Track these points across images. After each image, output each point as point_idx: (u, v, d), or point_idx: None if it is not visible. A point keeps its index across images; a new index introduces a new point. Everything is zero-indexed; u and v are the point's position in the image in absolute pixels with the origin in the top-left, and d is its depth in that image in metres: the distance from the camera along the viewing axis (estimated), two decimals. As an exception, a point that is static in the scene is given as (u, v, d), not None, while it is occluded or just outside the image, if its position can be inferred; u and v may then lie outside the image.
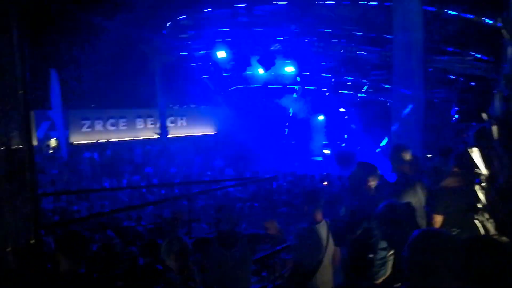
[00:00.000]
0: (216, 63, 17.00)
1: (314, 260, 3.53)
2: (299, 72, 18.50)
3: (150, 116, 19.72)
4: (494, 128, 2.84)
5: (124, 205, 9.51)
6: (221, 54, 16.06)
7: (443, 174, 4.21)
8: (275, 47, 16.25)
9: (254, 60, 16.59)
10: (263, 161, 15.51)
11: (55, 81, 14.92)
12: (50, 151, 16.23)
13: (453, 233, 3.32)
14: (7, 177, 2.40)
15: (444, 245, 1.79)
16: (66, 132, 16.03)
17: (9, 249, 2.38)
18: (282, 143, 19.59)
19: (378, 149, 16.75)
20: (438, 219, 3.59)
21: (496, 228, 2.94)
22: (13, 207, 2.40)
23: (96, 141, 17.91)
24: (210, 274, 3.44)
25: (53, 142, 16.56)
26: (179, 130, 20.76)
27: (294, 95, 20.18)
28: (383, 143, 16.24)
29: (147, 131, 19.56)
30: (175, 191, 10.58)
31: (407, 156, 4.01)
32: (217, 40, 16.60)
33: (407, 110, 9.68)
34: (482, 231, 3.06)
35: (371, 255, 2.51)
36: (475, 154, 2.96)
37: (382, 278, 2.53)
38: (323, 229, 3.58)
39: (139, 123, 19.63)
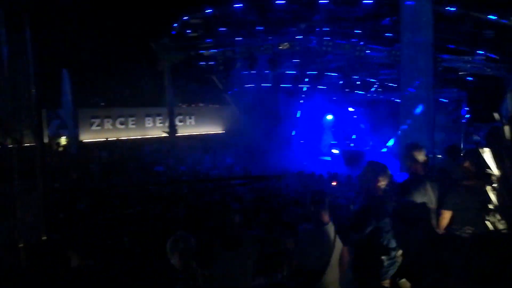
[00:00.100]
0: (224, 62, 17.03)
1: (322, 261, 3.51)
2: (307, 72, 18.45)
3: (159, 115, 19.82)
4: (506, 128, 2.81)
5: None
6: (230, 53, 16.09)
7: (452, 173, 4.16)
8: (284, 46, 16.22)
9: (262, 60, 16.61)
10: (271, 160, 15.48)
11: (66, 80, 15.12)
12: (60, 149, 16.40)
13: (467, 232, 3.29)
14: (19, 175, 2.43)
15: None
16: (76, 131, 16.21)
17: (21, 245, 2.42)
18: (291, 142, 19.53)
19: (385, 149, 16.62)
20: (446, 215, 3.56)
21: (508, 229, 2.91)
22: (24, 204, 2.43)
23: (105, 139, 18.08)
24: (213, 273, 3.44)
25: (63, 140, 16.74)
26: (187, 128, 20.85)
27: (303, 94, 20.15)
28: (390, 143, 16.11)
29: (156, 130, 19.67)
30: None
31: (421, 155, 3.91)
32: (226, 39, 16.63)
33: (418, 110, 9.61)
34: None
35: (381, 256, 2.49)
36: (487, 154, 2.93)
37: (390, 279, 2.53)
38: (330, 230, 3.56)
39: (148, 122, 19.76)
